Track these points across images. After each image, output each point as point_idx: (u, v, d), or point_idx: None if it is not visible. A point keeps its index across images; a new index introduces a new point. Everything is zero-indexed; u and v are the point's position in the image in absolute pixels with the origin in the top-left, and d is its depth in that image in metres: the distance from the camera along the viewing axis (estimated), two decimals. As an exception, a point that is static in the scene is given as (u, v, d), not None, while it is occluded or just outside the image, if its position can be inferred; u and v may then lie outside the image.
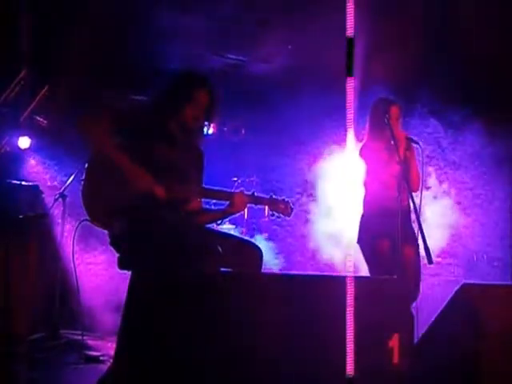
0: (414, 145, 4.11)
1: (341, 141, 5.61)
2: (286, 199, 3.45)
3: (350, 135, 2.17)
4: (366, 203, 4.18)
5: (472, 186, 6.13)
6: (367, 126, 4.24)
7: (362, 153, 4.16)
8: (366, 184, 4.17)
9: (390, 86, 5.37)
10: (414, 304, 3.97)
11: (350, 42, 2.12)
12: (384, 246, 3.94)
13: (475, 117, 5.89)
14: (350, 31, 2.12)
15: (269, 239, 6.33)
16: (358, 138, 4.25)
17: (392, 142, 3.99)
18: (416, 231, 4.01)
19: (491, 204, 6.15)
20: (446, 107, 5.93)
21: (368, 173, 4.14)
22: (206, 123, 3.48)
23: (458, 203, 6.05)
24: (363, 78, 4.68)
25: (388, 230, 3.85)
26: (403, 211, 3.84)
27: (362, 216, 4.19)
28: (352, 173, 4.29)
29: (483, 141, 6.01)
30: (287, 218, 3.45)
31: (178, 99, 3.27)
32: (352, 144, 3.76)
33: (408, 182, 3.82)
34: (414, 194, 3.81)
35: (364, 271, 4.14)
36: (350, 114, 2.12)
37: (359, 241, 4.14)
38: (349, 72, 2.09)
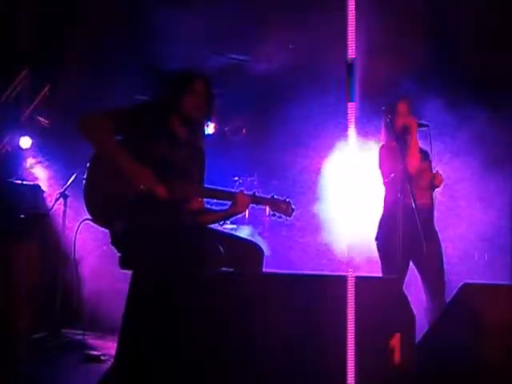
0: (422, 128, 4.17)
1: (342, 140, 5.61)
2: (288, 199, 3.45)
3: (352, 134, 2.17)
4: (384, 202, 4.26)
5: (473, 183, 6.12)
6: (382, 130, 4.34)
7: (378, 153, 4.25)
8: (384, 184, 4.25)
9: (391, 81, 5.37)
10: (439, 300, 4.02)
11: (351, 42, 2.11)
12: (394, 245, 3.98)
13: (475, 108, 5.82)
14: (351, 33, 2.12)
15: (270, 238, 6.33)
16: (360, 137, 4.29)
17: (395, 142, 4.05)
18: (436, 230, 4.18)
19: (493, 202, 6.14)
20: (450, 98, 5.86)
21: (382, 174, 4.23)
22: (206, 120, 3.51)
23: (459, 201, 6.04)
24: (364, 76, 4.68)
25: (397, 227, 3.89)
26: (407, 209, 3.87)
27: (381, 215, 4.27)
28: (353, 172, 4.30)
29: (483, 136, 5.98)
30: (288, 219, 3.45)
31: (178, 91, 3.31)
32: (354, 142, 3.76)
33: (409, 180, 3.87)
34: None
35: (365, 270, 4.16)
36: (352, 112, 2.12)
37: (376, 239, 4.24)
38: (350, 75, 2.09)
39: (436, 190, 4.25)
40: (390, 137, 4.22)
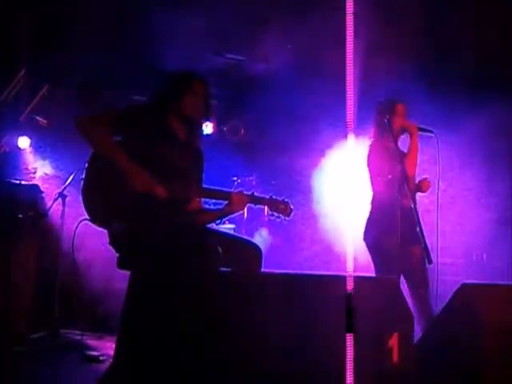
0: (429, 133, 4.16)
1: (341, 139, 5.61)
2: (286, 199, 3.45)
3: (350, 134, 2.17)
4: (373, 202, 4.24)
5: (471, 183, 6.12)
6: (373, 126, 4.30)
7: (368, 153, 4.21)
8: (372, 183, 4.22)
9: (391, 82, 5.37)
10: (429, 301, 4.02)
11: (350, 44, 2.12)
12: (389, 244, 3.97)
13: (473, 105, 5.79)
14: (349, 33, 2.12)
15: (268, 238, 6.33)
16: (359, 137, 4.27)
17: (393, 143, 4.03)
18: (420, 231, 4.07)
19: (491, 201, 6.14)
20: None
21: (374, 172, 4.19)
22: (204, 120, 3.52)
23: (457, 201, 6.04)
24: (364, 76, 4.68)
25: (393, 228, 3.88)
26: (405, 211, 3.86)
27: (370, 214, 4.24)
28: (352, 171, 4.31)
29: (481, 135, 5.97)
30: (287, 219, 3.45)
31: (177, 92, 3.32)
32: (352, 142, 3.78)
33: (407, 180, 3.86)
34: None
35: (363, 270, 4.15)
36: (350, 112, 2.12)
37: (365, 239, 4.19)
38: (348, 75, 2.09)
39: (420, 193, 4.20)
40: (385, 136, 4.18)
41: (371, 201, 4.26)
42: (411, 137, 4.12)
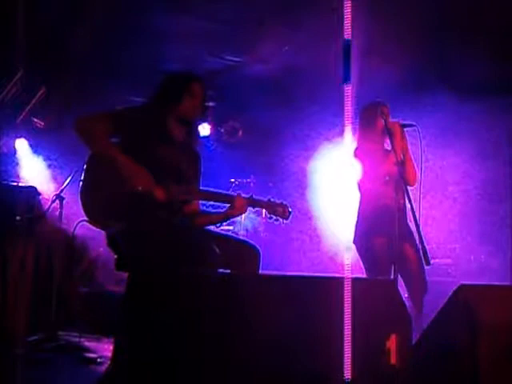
0: (410, 128, 4.07)
1: (338, 141, 5.62)
2: (284, 202, 3.44)
3: (348, 135, 2.18)
4: (362, 203, 4.21)
5: (470, 184, 6.12)
6: (358, 128, 4.27)
7: (356, 154, 4.18)
8: (361, 184, 4.19)
9: (388, 83, 5.39)
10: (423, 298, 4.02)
11: (347, 45, 2.12)
12: (379, 245, 3.96)
13: (471, 104, 5.78)
14: (347, 34, 2.13)
15: (266, 239, 6.33)
16: (356, 138, 4.26)
17: (390, 146, 4.01)
18: (413, 230, 4.04)
19: (489, 203, 6.15)
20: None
21: (363, 173, 4.15)
22: (201, 121, 3.53)
23: (455, 202, 6.05)
24: (361, 77, 4.69)
25: (384, 228, 3.88)
26: (400, 210, 3.86)
27: (358, 216, 4.22)
28: (349, 172, 4.30)
29: (479, 135, 5.98)
30: (285, 222, 3.45)
31: (176, 94, 3.34)
32: (350, 143, 3.78)
33: (405, 181, 3.84)
34: (410, 188, 3.89)
35: (360, 272, 4.15)
36: (348, 113, 2.13)
37: (355, 241, 4.17)
38: (346, 77, 2.10)
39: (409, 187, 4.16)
40: (379, 138, 4.15)
41: (359, 202, 4.22)
42: (393, 137, 4.05)
